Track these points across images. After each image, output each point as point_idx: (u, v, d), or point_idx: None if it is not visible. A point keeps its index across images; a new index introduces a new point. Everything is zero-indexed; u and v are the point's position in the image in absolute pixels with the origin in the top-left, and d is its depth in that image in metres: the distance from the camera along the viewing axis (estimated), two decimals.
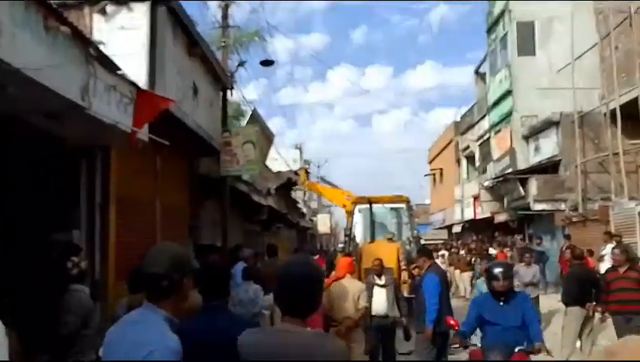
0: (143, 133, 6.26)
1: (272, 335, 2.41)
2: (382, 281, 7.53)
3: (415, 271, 7.00)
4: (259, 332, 2.46)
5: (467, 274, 18.34)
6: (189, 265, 2.50)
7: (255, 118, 15.02)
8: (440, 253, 24.22)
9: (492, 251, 17.79)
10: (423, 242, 26.51)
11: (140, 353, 2.11)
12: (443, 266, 23.73)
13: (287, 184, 21.65)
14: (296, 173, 19.99)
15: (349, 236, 13.36)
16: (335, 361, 2.31)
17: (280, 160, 30.27)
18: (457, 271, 19.48)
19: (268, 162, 20.41)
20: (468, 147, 28.87)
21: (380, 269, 7.58)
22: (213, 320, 2.60)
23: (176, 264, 2.37)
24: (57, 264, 4.98)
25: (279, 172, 21.57)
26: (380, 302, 7.38)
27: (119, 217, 7.09)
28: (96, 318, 4.85)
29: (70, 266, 4.80)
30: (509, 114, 21.27)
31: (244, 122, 18.25)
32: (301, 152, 46.13)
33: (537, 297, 11.04)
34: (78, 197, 6.56)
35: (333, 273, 7.02)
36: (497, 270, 5.02)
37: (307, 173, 20.74)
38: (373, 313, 7.23)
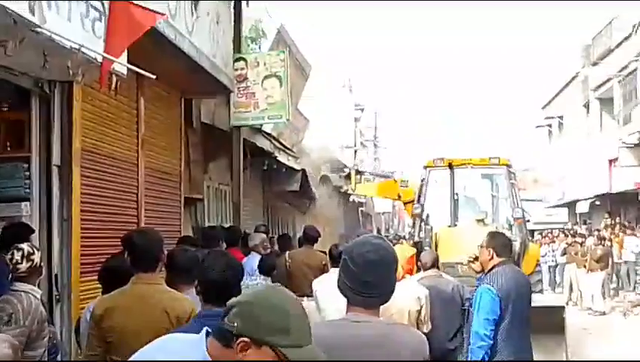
0: (120, 63, 6.29)
1: (342, 327, 2.94)
2: None
3: (476, 267, 6.28)
4: (328, 326, 3.08)
5: (597, 276, 18.12)
6: None
7: (282, 40, 14.97)
8: (550, 246, 23.96)
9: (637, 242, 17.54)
10: (531, 227, 26.29)
11: None
12: (547, 261, 23.59)
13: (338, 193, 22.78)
14: (348, 176, 21.57)
15: (419, 216, 13.22)
16: (415, 352, 2.91)
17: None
18: (581, 271, 19.31)
19: (301, 106, 20.45)
20: (603, 84, 28.23)
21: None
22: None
23: None
24: None
25: (324, 176, 22.36)
26: None
27: (86, 184, 7.23)
28: (46, 333, 4.89)
29: (18, 258, 4.80)
30: None
31: (265, 47, 18.24)
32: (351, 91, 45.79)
33: None
34: (27, 154, 6.67)
35: None
36: None
37: (358, 173, 22.65)
38: None
